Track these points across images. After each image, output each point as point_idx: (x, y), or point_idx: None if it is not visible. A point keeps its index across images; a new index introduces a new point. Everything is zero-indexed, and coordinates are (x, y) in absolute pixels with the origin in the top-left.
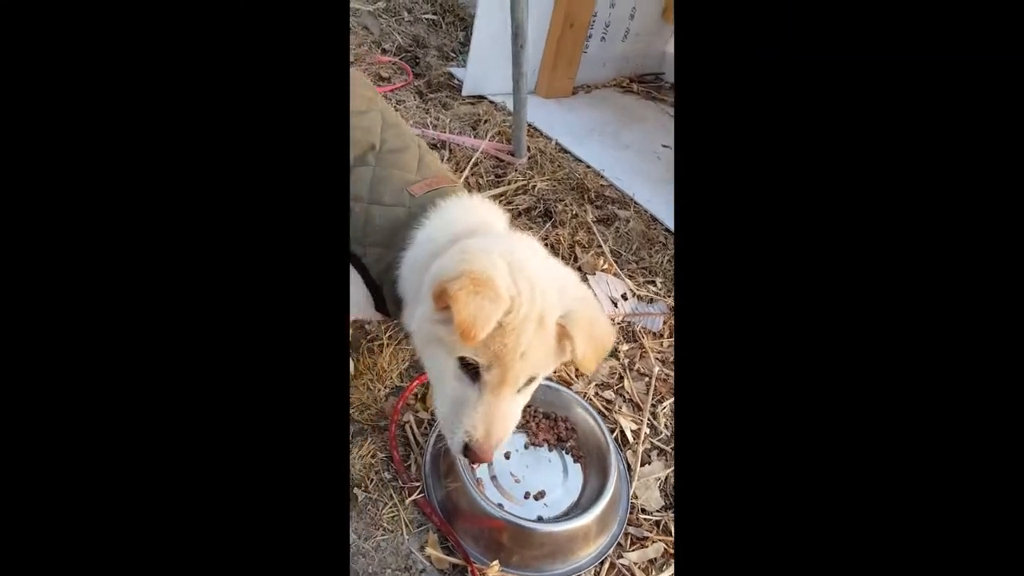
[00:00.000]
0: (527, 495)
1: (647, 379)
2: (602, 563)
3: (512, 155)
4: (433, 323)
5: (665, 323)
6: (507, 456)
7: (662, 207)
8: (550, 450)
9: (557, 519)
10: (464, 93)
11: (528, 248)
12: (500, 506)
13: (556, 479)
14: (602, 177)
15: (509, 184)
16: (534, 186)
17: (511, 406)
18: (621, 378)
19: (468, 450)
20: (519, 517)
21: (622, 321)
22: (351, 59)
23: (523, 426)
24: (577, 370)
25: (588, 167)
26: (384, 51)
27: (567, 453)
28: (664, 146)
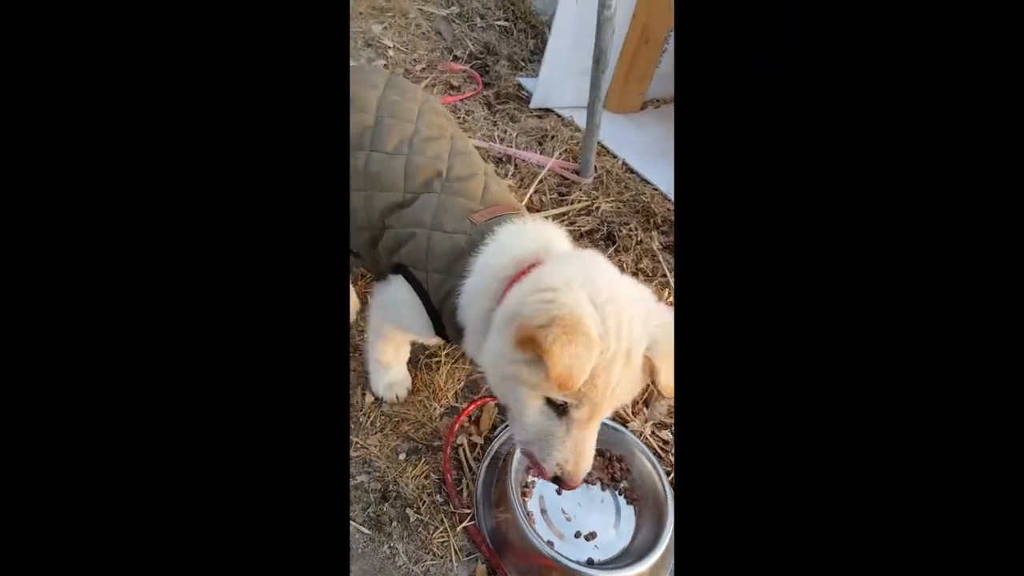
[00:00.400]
0: (578, 534)
1: None
2: None
3: (578, 174)
4: (514, 363)
5: None
6: (559, 491)
7: None
8: (603, 489)
9: (608, 563)
10: (532, 105)
11: (604, 272)
12: (550, 543)
13: (608, 520)
14: (670, 201)
15: (573, 204)
16: (598, 207)
17: (595, 435)
18: None
19: (559, 480)
20: (570, 559)
21: None
22: (423, 65)
23: None
24: (633, 408)
25: (656, 189)
26: (456, 58)
27: (620, 495)
28: None
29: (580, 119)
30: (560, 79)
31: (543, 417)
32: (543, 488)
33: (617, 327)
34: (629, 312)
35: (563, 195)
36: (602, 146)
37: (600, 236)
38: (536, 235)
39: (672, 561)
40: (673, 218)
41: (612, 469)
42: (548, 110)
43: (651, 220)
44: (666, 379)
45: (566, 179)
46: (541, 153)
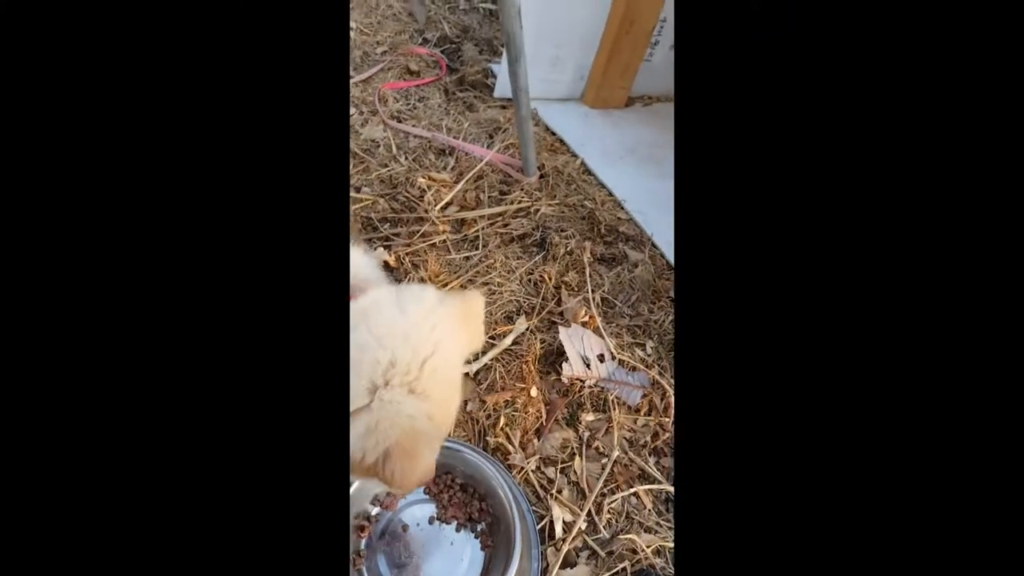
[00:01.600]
0: None
1: (604, 461)
2: None
3: (522, 172)
4: None
5: (645, 398)
6: (404, 528)
7: None
8: (457, 530)
9: None
10: (496, 95)
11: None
12: None
13: (452, 568)
14: (621, 208)
15: (511, 204)
16: (537, 210)
17: None
18: (573, 455)
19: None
20: None
21: (595, 385)
22: (385, 48)
23: (435, 495)
24: (523, 439)
25: (610, 195)
26: (425, 41)
27: (476, 538)
28: None
29: (545, 112)
30: (527, 67)
31: None
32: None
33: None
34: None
35: (504, 194)
36: (563, 142)
37: (532, 242)
38: None
39: None
40: (620, 228)
41: (470, 509)
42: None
43: (594, 228)
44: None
45: (510, 176)
46: (490, 147)
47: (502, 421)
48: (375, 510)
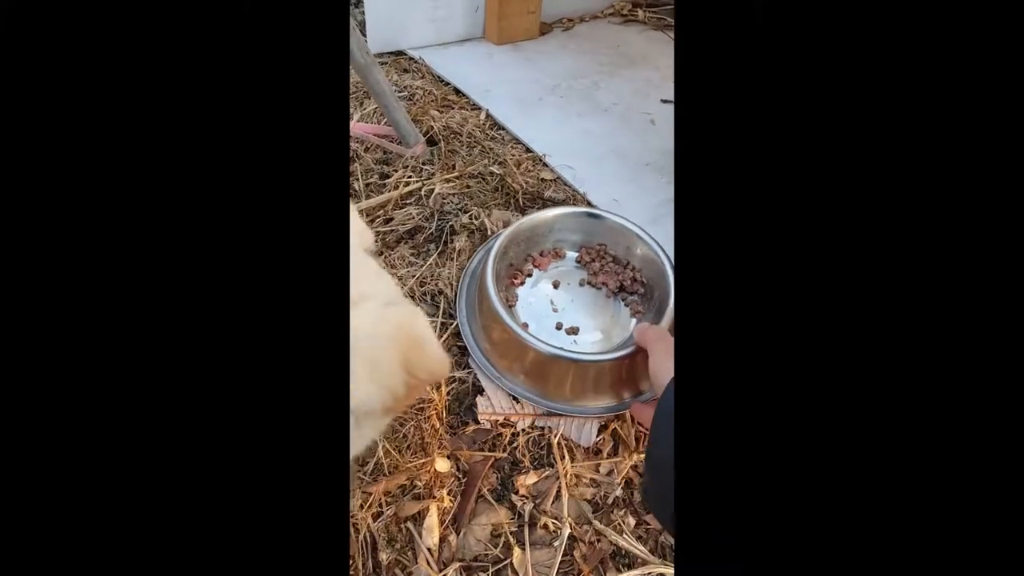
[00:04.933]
0: (559, 326)
1: (557, 544)
2: None
3: (400, 143)
4: None
5: (605, 429)
6: (555, 285)
7: (637, 210)
8: (607, 296)
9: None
10: (374, 51)
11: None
12: (525, 325)
13: (599, 323)
14: (545, 166)
15: (395, 189)
16: (430, 191)
17: None
18: (509, 547)
19: None
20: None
21: (531, 427)
22: None
23: (586, 263)
24: (431, 544)
25: (528, 151)
26: None
27: (626, 305)
28: (665, 101)
29: (437, 59)
30: (399, 14)
31: None
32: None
33: None
34: None
35: (385, 176)
36: (461, 93)
37: (427, 236)
38: None
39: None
40: (545, 193)
41: (622, 277)
42: (401, 52)
43: (510, 200)
44: None
45: (389, 153)
46: (357, 118)
47: (395, 520)
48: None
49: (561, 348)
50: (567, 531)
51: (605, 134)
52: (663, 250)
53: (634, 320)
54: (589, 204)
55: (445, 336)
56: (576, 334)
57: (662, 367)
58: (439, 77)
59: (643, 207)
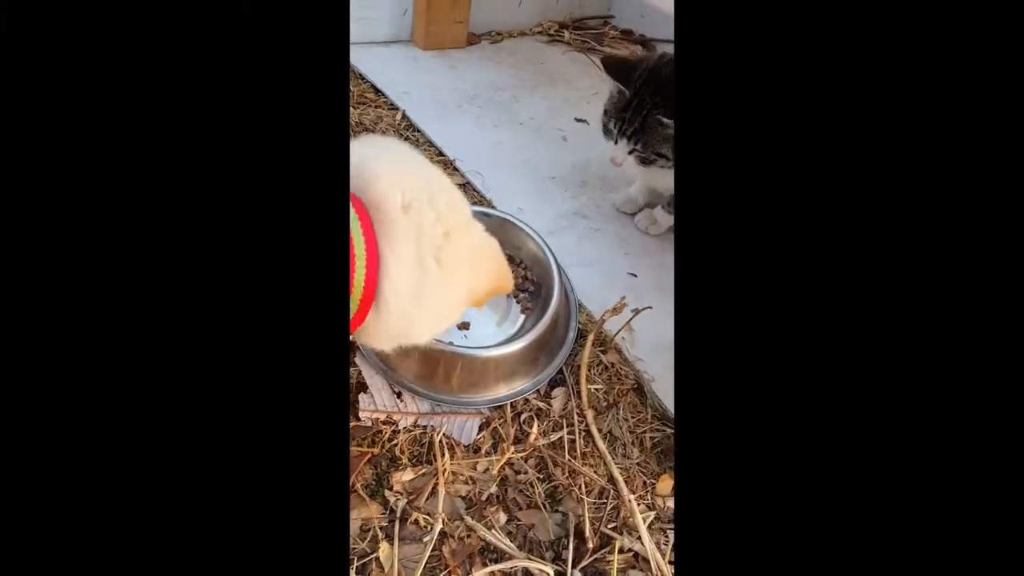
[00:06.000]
0: None
1: (427, 539)
2: None
3: None
4: None
5: (488, 427)
6: None
7: (540, 221)
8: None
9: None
10: None
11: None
12: None
13: (490, 319)
14: (455, 170)
15: None
16: None
17: None
18: (376, 541)
19: None
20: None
21: (414, 425)
22: None
23: None
24: None
25: (440, 154)
26: None
27: (518, 303)
28: (579, 120)
29: (362, 58)
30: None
31: None
32: None
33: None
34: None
35: None
36: (379, 92)
37: None
38: None
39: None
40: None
41: (516, 275)
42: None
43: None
44: None
45: None
46: None
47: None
48: None
49: (451, 343)
50: (439, 527)
51: (518, 146)
52: (548, 248)
53: (522, 316)
54: (493, 211)
55: None
56: (467, 329)
57: None
58: (358, 74)
59: (545, 218)
